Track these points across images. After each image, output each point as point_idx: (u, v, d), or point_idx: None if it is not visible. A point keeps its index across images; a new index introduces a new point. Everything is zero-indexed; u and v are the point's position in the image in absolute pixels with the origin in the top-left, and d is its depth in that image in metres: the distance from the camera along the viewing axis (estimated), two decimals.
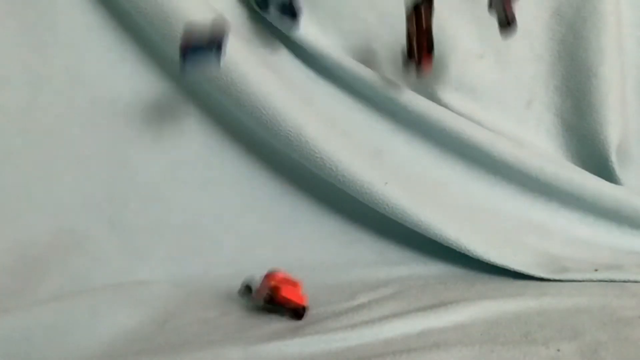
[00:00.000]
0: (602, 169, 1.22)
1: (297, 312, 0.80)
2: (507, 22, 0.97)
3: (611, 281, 0.96)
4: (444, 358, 0.65)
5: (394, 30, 1.17)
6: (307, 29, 1.11)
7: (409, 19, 1.00)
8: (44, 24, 0.96)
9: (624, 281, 0.96)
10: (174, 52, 1.04)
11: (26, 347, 0.67)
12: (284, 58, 1.14)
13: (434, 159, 1.20)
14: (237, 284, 0.90)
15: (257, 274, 0.86)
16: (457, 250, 1.05)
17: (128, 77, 1.04)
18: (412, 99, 1.14)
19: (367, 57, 1.16)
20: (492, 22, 1.20)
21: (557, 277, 0.96)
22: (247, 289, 0.83)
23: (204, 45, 0.86)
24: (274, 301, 0.80)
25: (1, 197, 0.87)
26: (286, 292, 0.80)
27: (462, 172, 1.21)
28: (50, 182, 0.93)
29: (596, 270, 1.01)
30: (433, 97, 1.18)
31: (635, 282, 0.94)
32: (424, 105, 1.14)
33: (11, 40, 0.93)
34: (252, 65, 1.05)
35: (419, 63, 1.01)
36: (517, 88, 1.24)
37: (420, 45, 0.99)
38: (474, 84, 1.21)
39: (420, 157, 1.19)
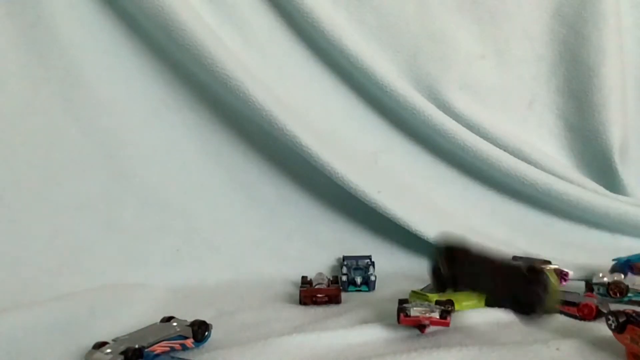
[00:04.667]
0: (605, 169, 1.22)
1: None
2: None
3: None
4: (444, 358, 0.65)
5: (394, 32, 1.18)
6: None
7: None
8: (43, 26, 0.96)
9: None
10: (174, 54, 1.05)
11: (26, 347, 0.67)
12: (290, 54, 1.15)
13: (429, 163, 1.21)
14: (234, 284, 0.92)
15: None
16: None
17: (126, 79, 1.05)
18: (414, 101, 1.15)
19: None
20: (493, 22, 1.21)
21: None
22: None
23: None
24: None
25: None
26: None
27: (455, 177, 1.22)
28: (48, 184, 0.93)
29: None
30: (436, 97, 1.18)
31: None
32: (423, 107, 1.15)
33: (10, 41, 0.93)
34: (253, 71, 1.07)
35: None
36: (518, 88, 1.25)
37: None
38: (476, 84, 1.22)
39: (415, 161, 1.20)
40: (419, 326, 0.71)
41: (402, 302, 0.76)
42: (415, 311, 0.70)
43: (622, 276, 0.87)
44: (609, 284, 0.86)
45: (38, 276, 0.84)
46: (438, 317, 0.69)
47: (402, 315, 0.69)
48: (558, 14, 1.21)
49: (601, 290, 0.86)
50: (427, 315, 0.69)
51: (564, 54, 1.22)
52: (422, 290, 0.85)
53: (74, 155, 0.98)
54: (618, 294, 0.85)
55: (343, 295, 0.90)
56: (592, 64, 1.19)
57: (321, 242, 1.12)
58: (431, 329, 0.71)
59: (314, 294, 0.87)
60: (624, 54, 1.20)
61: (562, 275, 0.96)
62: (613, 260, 0.98)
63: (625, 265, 0.94)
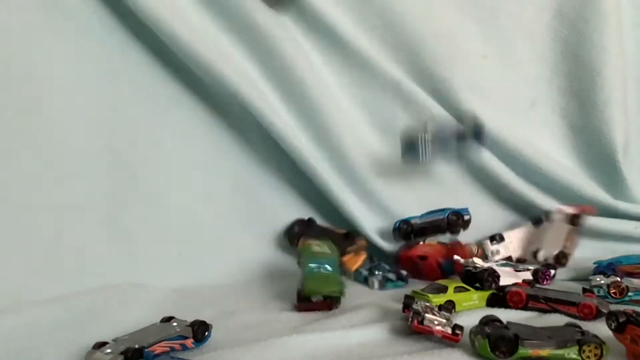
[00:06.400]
0: (609, 168, 1.22)
1: None
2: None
3: None
4: (445, 359, 0.65)
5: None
6: None
7: None
8: (49, 24, 0.96)
9: None
10: (178, 55, 1.05)
11: (26, 346, 0.67)
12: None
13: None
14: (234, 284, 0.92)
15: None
16: None
17: (132, 80, 1.05)
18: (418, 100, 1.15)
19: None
20: (495, 23, 1.21)
21: None
22: None
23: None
24: None
25: (1, 198, 0.87)
26: None
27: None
28: (51, 185, 0.93)
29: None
30: (440, 97, 1.18)
31: None
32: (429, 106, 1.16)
33: (14, 39, 0.93)
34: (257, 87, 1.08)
35: None
36: (521, 88, 1.25)
37: None
38: (480, 83, 1.21)
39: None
40: None
41: (407, 298, 0.76)
42: (428, 319, 0.69)
43: (618, 278, 0.88)
44: (609, 284, 0.86)
45: (39, 276, 0.84)
46: (450, 332, 0.69)
47: (415, 321, 0.69)
48: (559, 14, 1.21)
49: (601, 292, 0.85)
50: (440, 328, 0.69)
51: (565, 53, 1.22)
52: (422, 290, 0.85)
53: (77, 156, 0.98)
54: (618, 294, 0.85)
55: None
56: (594, 64, 1.19)
57: None
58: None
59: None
60: (624, 54, 1.20)
61: (545, 274, 0.96)
62: (594, 263, 0.98)
63: (608, 268, 0.94)
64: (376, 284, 1.00)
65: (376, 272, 1.02)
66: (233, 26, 1.09)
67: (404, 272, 1.02)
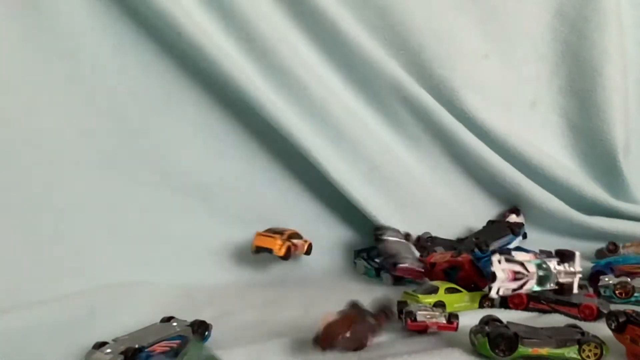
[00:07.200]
0: (610, 168, 1.22)
1: None
2: None
3: None
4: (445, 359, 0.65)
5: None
6: None
7: None
8: (46, 27, 0.96)
9: None
10: (175, 59, 1.05)
11: (26, 347, 0.67)
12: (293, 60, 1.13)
13: (432, 171, 1.20)
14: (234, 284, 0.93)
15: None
16: None
17: (129, 83, 1.04)
18: (418, 105, 1.15)
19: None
20: (495, 22, 1.21)
21: None
22: None
23: None
24: None
25: (1, 198, 0.86)
26: None
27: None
28: (51, 185, 0.93)
29: None
30: (441, 97, 1.18)
31: None
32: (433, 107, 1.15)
33: (12, 43, 0.93)
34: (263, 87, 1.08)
35: None
36: (521, 88, 1.24)
37: None
38: (480, 83, 1.21)
39: (417, 170, 1.19)
40: None
41: (400, 303, 0.76)
42: (420, 315, 0.70)
43: (628, 279, 0.86)
44: (615, 284, 0.85)
45: (39, 276, 0.84)
46: (445, 321, 0.69)
47: (409, 321, 0.70)
48: (559, 14, 1.20)
49: (607, 292, 0.85)
50: (434, 320, 0.70)
51: (565, 53, 1.22)
52: (413, 291, 0.84)
53: (77, 157, 0.98)
54: (624, 295, 0.84)
55: None
56: (595, 64, 1.19)
57: (322, 244, 1.12)
58: (432, 329, 0.71)
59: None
60: (625, 54, 1.20)
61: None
62: (592, 263, 0.97)
63: (606, 268, 0.93)
64: (389, 280, 1.00)
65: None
66: (232, 26, 1.08)
67: None
